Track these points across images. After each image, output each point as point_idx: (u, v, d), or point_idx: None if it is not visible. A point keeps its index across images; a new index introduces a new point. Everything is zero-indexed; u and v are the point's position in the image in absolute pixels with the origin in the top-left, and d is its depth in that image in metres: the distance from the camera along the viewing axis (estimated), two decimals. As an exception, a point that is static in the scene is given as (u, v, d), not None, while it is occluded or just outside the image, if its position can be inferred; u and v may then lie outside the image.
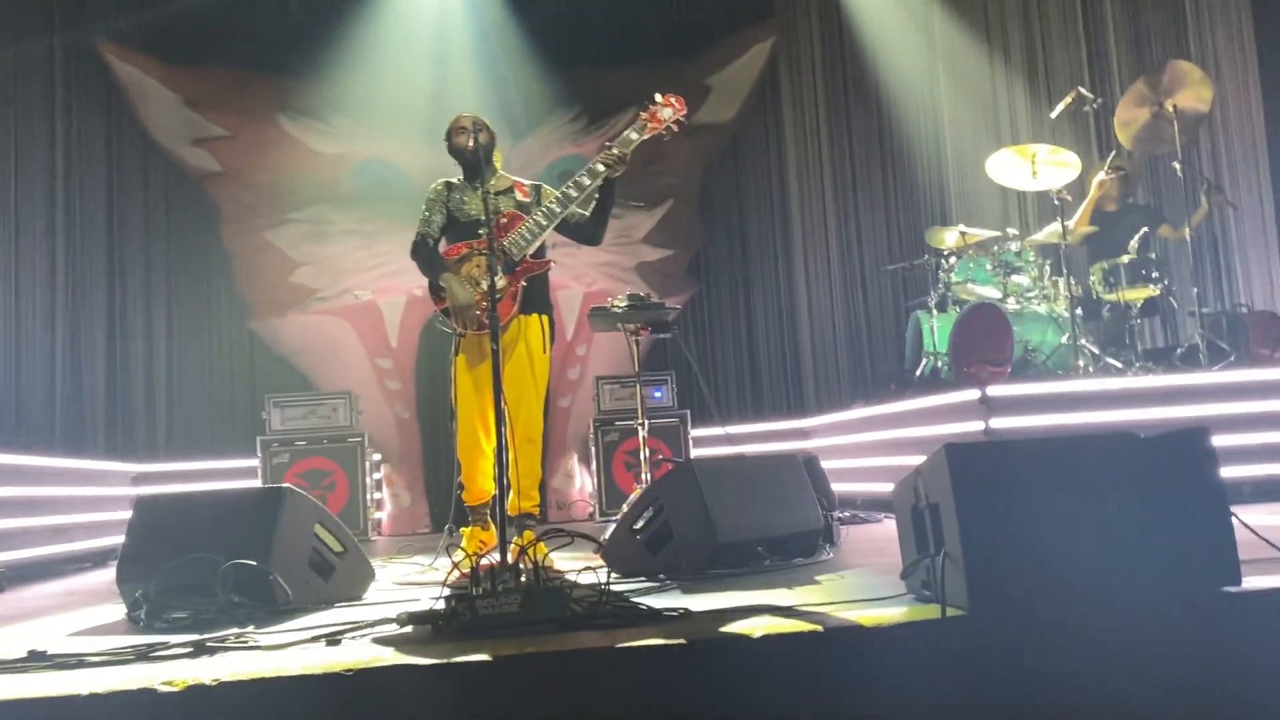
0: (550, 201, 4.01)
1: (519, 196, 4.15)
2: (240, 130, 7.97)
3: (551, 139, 8.21)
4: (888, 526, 4.85)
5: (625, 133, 4.01)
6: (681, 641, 2.21)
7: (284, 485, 3.31)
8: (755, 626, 2.30)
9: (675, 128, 4.04)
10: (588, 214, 4.13)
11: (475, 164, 3.99)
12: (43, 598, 4.24)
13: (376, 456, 7.28)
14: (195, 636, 2.53)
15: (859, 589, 2.93)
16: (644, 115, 4.03)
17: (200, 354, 7.92)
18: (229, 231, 7.98)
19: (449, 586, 2.88)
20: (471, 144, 3.94)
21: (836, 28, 8.42)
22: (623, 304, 5.01)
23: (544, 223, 3.96)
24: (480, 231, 3.82)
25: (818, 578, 3.27)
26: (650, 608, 2.64)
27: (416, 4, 8.13)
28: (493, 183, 4.06)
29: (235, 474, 6.90)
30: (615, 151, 3.95)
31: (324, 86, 7.95)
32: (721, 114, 8.60)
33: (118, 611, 3.21)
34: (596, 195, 4.05)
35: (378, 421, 7.67)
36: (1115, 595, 2.25)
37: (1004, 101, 7.85)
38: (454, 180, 4.20)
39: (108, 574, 4.15)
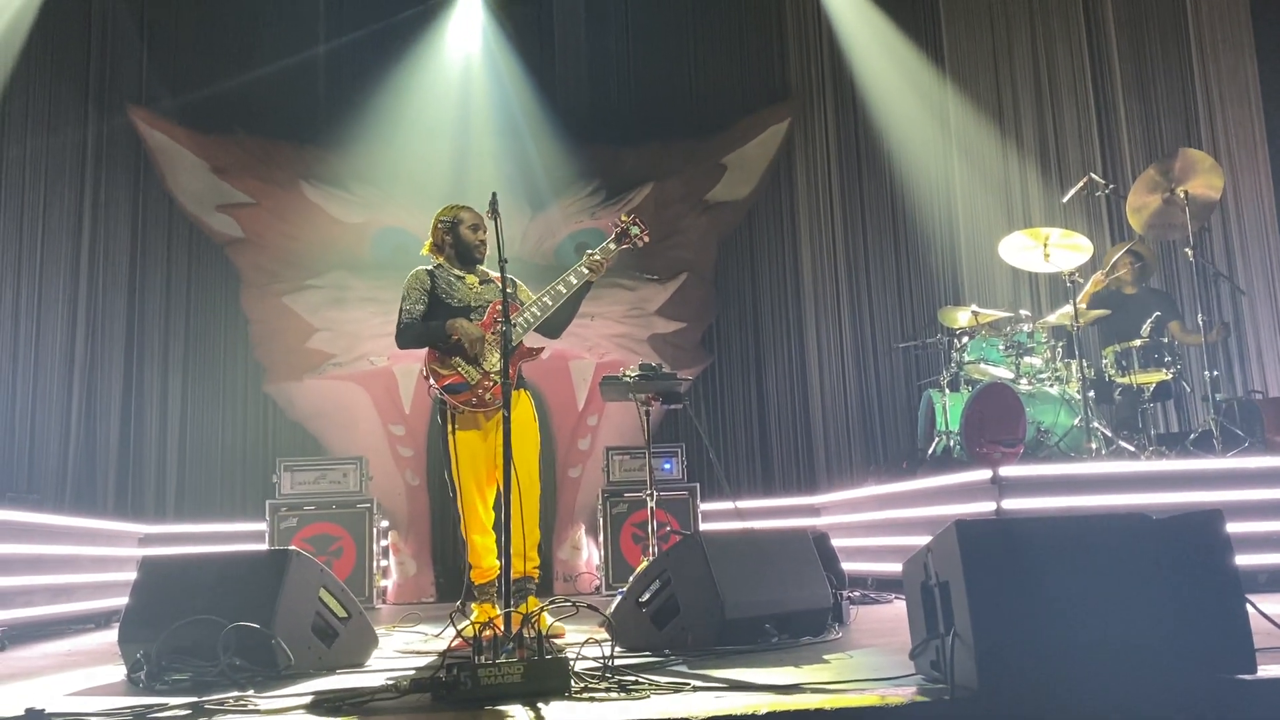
0: (544, 296, 4.31)
1: (497, 286, 4.36)
2: (264, 197, 8.11)
3: (570, 212, 8.32)
4: (898, 607, 4.79)
5: (605, 243, 4.45)
6: (686, 718, 2.18)
7: (290, 548, 3.30)
8: (760, 704, 2.27)
9: (639, 244, 4.48)
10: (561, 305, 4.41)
11: (476, 258, 4.41)
12: (44, 657, 4.22)
13: (384, 523, 7.25)
14: (194, 699, 2.52)
15: (867, 668, 2.89)
16: (617, 231, 4.49)
17: (214, 416, 7.96)
18: (248, 296, 8.07)
19: (451, 655, 2.86)
20: (479, 239, 4.39)
21: (851, 110, 8.57)
22: (634, 374, 5.04)
23: (538, 313, 4.27)
24: (471, 316, 4.27)
25: (826, 656, 3.23)
26: (654, 682, 2.61)
27: (441, 80, 8.34)
28: (480, 272, 4.46)
29: (243, 537, 6.87)
30: (598, 258, 4.34)
31: (347, 156, 8.11)
32: (736, 192, 8.73)
33: (118, 672, 3.19)
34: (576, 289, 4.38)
35: (388, 488, 7.65)
36: (1126, 678, 2.21)
37: (1016, 185, 7.94)
38: (434, 269, 4.41)
39: (110, 635, 4.12)
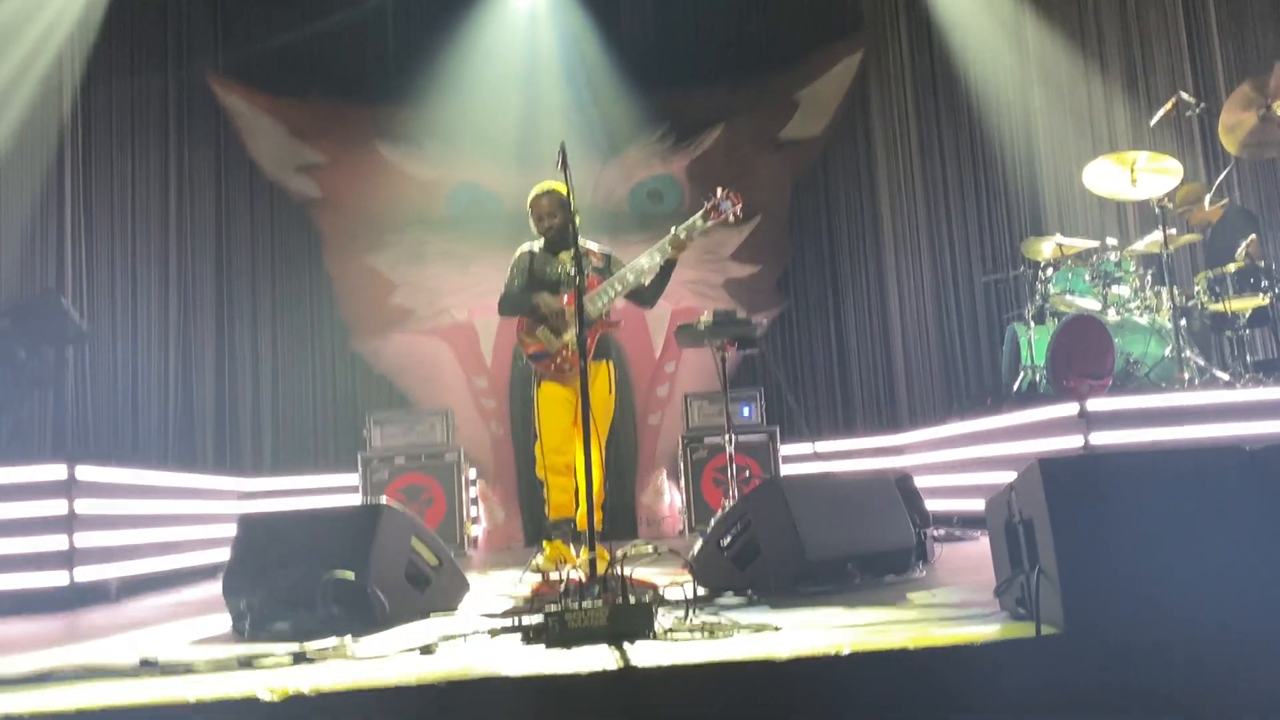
0: (626, 271, 4.57)
1: (593, 262, 4.70)
2: (340, 157, 8.24)
3: (639, 158, 8.27)
4: (983, 544, 4.74)
5: (692, 219, 4.49)
6: (769, 658, 2.21)
7: (381, 501, 3.41)
8: (843, 643, 2.29)
9: (733, 219, 4.52)
10: (647, 283, 4.63)
11: (554, 240, 4.68)
12: (154, 609, 4.43)
13: (473, 473, 7.40)
14: (296, 647, 2.62)
15: (951, 607, 2.88)
16: (708, 205, 4.50)
17: (304, 374, 8.20)
18: (330, 255, 8.25)
19: (539, 598, 2.93)
20: (547, 226, 4.67)
21: (926, 39, 8.31)
22: (709, 320, 5.05)
23: (619, 288, 4.53)
24: (560, 291, 4.59)
25: (909, 595, 3.23)
26: (737, 624, 2.64)
27: (507, 31, 8.32)
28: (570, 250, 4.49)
29: (337, 490, 7.10)
30: (682, 236, 4.46)
31: (419, 113, 8.17)
32: (810, 129, 8.57)
33: (224, 622, 3.34)
34: (660, 266, 4.57)
35: (473, 439, 7.80)
36: (1218, 616, 2.17)
37: (1101, 109, 7.63)
38: (534, 249, 4.77)
39: (215, 587, 4.31)
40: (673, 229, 4.47)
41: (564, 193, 4.39)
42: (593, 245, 4.78)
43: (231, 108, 8.14)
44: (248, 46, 8.22)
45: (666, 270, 4.58)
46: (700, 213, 4.48)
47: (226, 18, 8.24)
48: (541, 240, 4.75)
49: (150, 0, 7.88)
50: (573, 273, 4.31)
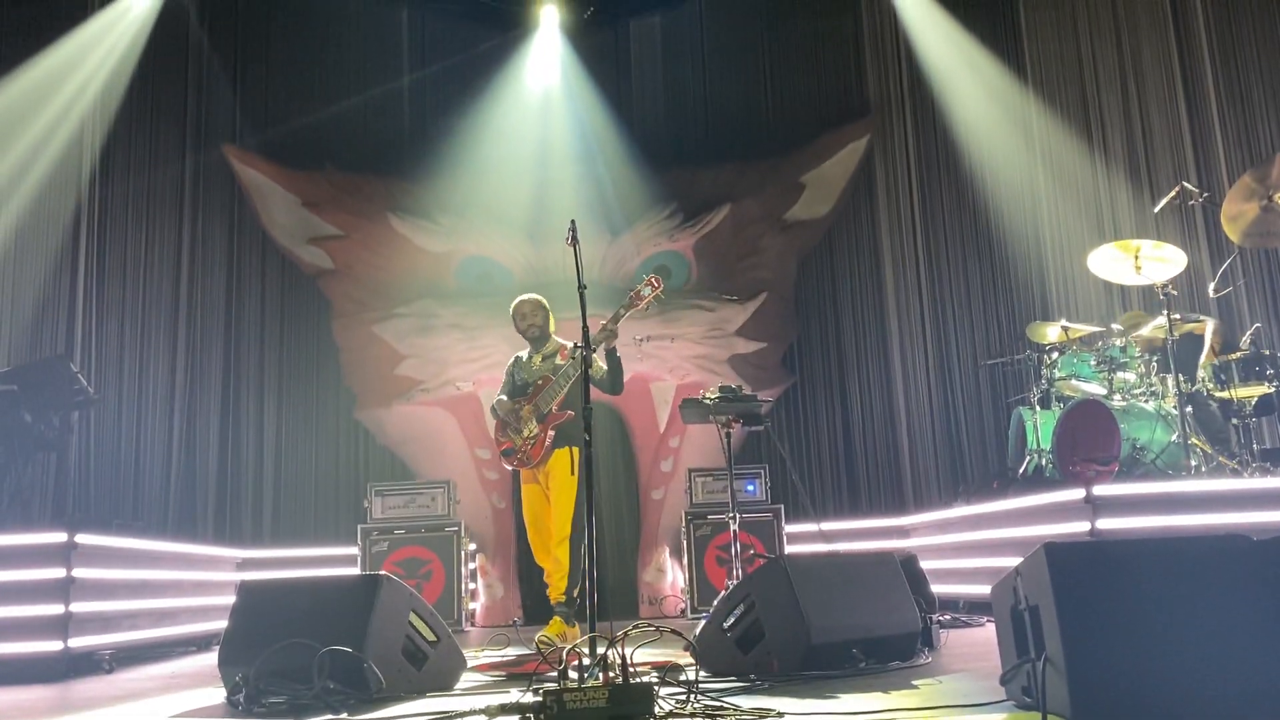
0: (568, 366, 4.98)
1: (558, 360, 5.11)
2: (353, 229, 8.34)
3: (647, 236, 8.36)
4: (990, 630, 4.68)
5: (618, 309, 4.91)
6: (770, 743, 2.17)
7: (380, 573, 3.38)
8: (846, 730, 2.25)
9: (655, 303, 4.98)
10: (606, 369, 4.97)
11: (535, 340, 5.20)
12: (148, 679, 4.37)
13: (472, 546, 7.35)
14: (290, 722, 2.58)
15: (957, 694, 2.84)
16: (631, 295, 4.93)
17: (307, 443, 8.18)
18: (339, 325, 8.30)
19: (537, 678, 2.89)
20: (526, 325, 5.19)
21: (932, 125, 8.46)
22: (714, 396, 5.06)
23: (563, 384, 4.97)
24: (529, 390, 5.09)
25: (915, 682, 3.18)
26: (739, 708, 2.60)
27: (520, 108, 8.50)
28: (546, 348, 5.21)
29: (337, 561, 7.04)
30: (607, 329, 4.82)
31: (431, 187, 8.30)
32: (815, 210, 8.68)
33: (218, 695, 3.29)
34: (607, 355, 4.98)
35: (475, 510, 7.76)
36: (1224, 705, 2.13)
37: (1105, 196, 7.73)
38: (521, 355, 5.30)
39: (210, 657, 4.26)
40: (602, 324, 4.78)
41: (542, 303, 5.20)
42: (566, 343, 5.12)
43: (246, 179, 8.28)
44: (265, 119, 8.40)
45: (613, 358, 4.94)
46: (624, 303, 4.89)
47: (245, 92, 8.43)
48: (529, 346, 5.24)
49: (173, 73, 8.09)
50: (539, 372, 5.10)
